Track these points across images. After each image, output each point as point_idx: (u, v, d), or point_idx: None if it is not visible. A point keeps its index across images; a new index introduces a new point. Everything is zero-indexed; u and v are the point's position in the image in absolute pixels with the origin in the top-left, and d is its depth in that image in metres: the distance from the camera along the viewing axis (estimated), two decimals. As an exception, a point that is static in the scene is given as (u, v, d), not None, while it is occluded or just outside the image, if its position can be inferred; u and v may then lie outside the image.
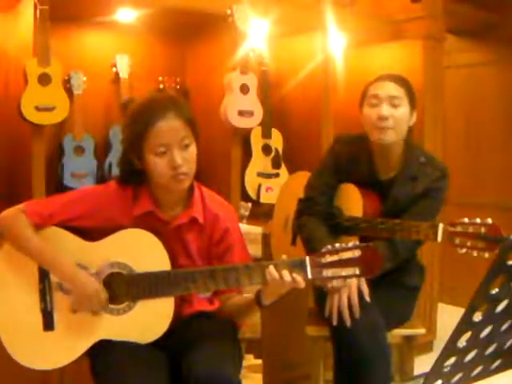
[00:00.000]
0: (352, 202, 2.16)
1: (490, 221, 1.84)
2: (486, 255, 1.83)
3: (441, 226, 1.91)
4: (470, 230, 1.85)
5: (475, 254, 1.85)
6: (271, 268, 1.64)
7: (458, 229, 1.87)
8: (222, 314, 1.86)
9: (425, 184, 2.11)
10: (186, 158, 1.68)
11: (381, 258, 1.68)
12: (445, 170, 2.15)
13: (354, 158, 2.19)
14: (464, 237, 1.86)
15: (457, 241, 1.87)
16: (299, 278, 1.64)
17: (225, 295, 1.85)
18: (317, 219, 2.18)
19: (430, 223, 1.95)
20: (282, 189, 2.70)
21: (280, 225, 2.51)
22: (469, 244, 1.85)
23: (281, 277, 1.63)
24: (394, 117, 2.07)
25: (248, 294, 1.82)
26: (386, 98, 2.08)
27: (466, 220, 1.87)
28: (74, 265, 1.71)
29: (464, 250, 1.87)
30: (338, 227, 2.17)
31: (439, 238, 1.91)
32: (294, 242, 2.32)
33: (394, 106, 2.08)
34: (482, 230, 1.84)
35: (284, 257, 1.70)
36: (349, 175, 2.18)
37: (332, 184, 2.21)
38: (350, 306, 1.93)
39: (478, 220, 1.85)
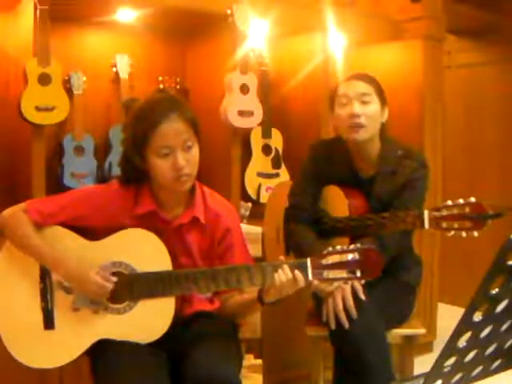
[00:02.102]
0: (337, 203, 2.16)
1: (473, 199, 1.84)
2: (476, 234, 1.83)
3: (426, 212, 1.90)
4: (455, 211, 1.85)
5: (464, 234, 1.85)
6: (285, 267, 1.64)
7: (444, 212, 1.87)
8: (222, 314, 1.87)
9: (405, 176, 2.11)
10: (189, 160, 1.69)
11: (381, 260, 1.68)
12: (423, 160, 2.16)
13: (332, 161, 2.20)
14: (450, 219, 1.86)
15: (444, 224, 1.87)
16: (300, 275, 1.65)
17: (225, 295, 1.86)
18: (304, 225, 2.19)
19: (415, 212, 1.95)
20: (268, 201, 2.69)
21: (272, 238, 2.50)
22: (456, 226, 1.85)
23: (288, 277, 1.63)
24: (365, 114, 2.07)
25: (247, 294, 1.82)
26: (356, 96, 2.08)
27: (450, 202, 1.87)
28: (75, 262, 1.71)
29: (452, 233, 1.86)
30: (327, 230, 2.18)
31: (426, 225, 1.90)
32: (288, 253, 2.33)
33: (365, 103, 2.08)
34: (467, 209, 1.83)
35: (281, 257, 1.70)
36: (331, 177, 2.19)
37: (315, 188, 2.22)
38: (346, 308, 1.93)
39: (461, 200, 1.85)
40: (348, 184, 2.17)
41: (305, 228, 2.18)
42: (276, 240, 2.47)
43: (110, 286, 1.68)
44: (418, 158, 2.15)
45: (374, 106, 2.10)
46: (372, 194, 2.14)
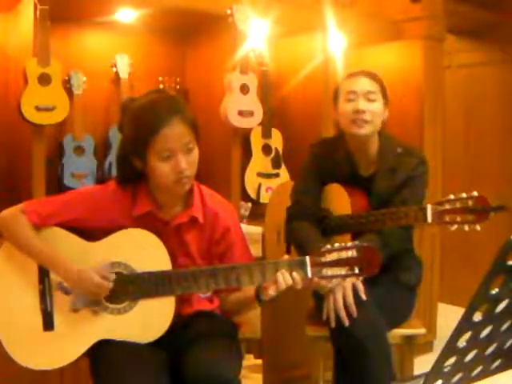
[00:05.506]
0: (339, 201, 2.18)
1: (475, 193, 1.87)
2: (478, 227, 1.85)
3: (429, 206, 1.93)
4: (458, 205, 1.88)
5: (466, 227, 1.87)
6: (285, 266, 1.66)
7: (446, 206, 1.90)
8: (221, 311, 1.87)
9: (405, 173, 2.13)
10: (190, 162, 1.68)
11: (379, 257, 1.68)
12: (422, 156, 2.20)
13: (333, 158, 2.22)
14: (453, 213, 1.88)
15: (446, 218, 1.90)
16: (298, 279, 1.66)
17: (224, 293, 1.86)
18: (307, 223, 2.19)
19: (417, 206, 1.97)
20: (269, 202, 2.68)
21: (272, 240, 2.50)
22: (458, 219, 1.88)
23: (287, 275, 1.64)
24: (370, 111, 2.11)
25: (245, 292, 1.82)
26: (363, 93, 2.13)
27: (452, 196, 1.89)
28: (73, 262, 1.71)
29: (455, 227, 1.89)
30: (329, 228, 2.19)
31: (429, 219, 1.92)
32: (288, 251, 2.33)
33: (370, 100, 2.13)
34: (470, 203, 1.86)
35: (286, 257, 1.71)
36: (332, 176, 2.21)
37: (316, 186, 2.24)
38: (346, 306, 1.93)
39: (464, 194, 1.88)
40: (348, 182, 2.19)
41: (308, 225, 2.18)
42: (276, 241, 2.46)
43: (109, 284, 1.68)
44: (417, 155, 2.18)
45: (378, 103, 2.15)
46: (372, 192, 2.16)
